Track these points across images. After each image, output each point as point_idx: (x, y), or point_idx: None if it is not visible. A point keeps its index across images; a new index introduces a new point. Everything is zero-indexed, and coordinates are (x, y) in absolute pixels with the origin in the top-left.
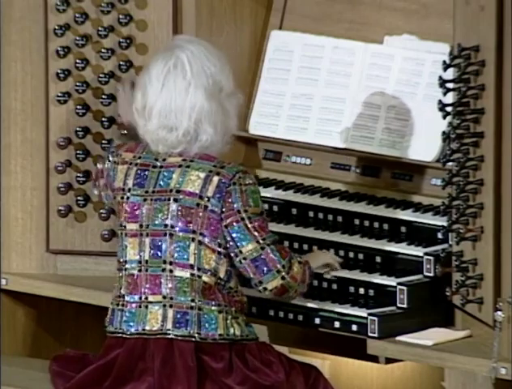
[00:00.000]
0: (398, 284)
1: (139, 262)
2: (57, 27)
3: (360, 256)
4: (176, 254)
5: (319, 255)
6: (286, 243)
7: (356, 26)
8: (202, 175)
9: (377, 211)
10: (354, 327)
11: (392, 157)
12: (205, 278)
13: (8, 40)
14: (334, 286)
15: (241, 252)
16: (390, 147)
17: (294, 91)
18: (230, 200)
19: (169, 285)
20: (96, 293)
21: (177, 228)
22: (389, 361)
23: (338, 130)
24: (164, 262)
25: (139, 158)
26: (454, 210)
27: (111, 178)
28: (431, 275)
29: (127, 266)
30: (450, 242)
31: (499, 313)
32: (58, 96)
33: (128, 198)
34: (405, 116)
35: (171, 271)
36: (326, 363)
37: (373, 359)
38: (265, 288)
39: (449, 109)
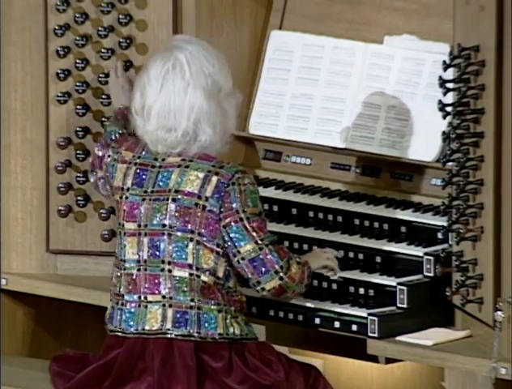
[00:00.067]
0: (398, 284)
1: (138, 261)
2: (57, 27)
3: (360, 256)
4: (174, 254)
5: (319, 255)
6: (286, 243)
7: (356, 26)
8: (201, 175)
9: (377, 211)
10: (354, 327)
11: (392, 157)
12: (204, 277)
13: (8, 40)
14: (334, 286)
15: (239, 252)
16: (390, 147)
17: (294, 91)
18: (229, 200)
19: (168, 285)
20: (96, 293)
21: (176, 228)
22: (389, 361)
23: (338, 130)
24: (163, 261)
25: (138, 158)
26: (454, 210)
27: (110, 175)
28: (431, 275)
29: (126, 265)
30: (450, 242)
31: (499, 313)
32: (58, 96)
33: (127, 197)
34: (405, 116)
35: (170, 270)
36: (326, 363)
37: (373, 359)
38: (263, 289)
39: (449, 109)
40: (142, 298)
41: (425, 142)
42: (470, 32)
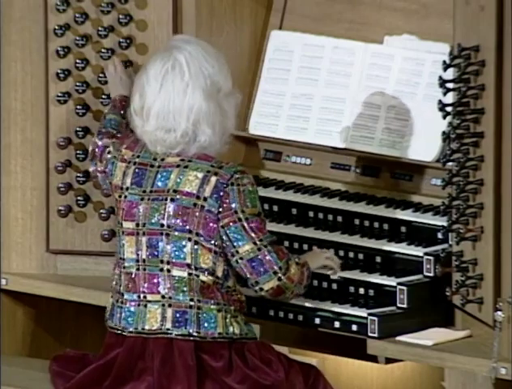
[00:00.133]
0: (398, 284)
1: (137, 261)
2: (57, 27)
3: (360, 256)
4: (173, 254)
5: (318, 256)
6: (286, 243)
7: (356, 26)
8: (200, 175)
9: (377, 211)
10: (354, 327)
11: (392, 157)
12: (203, 277)
13: (8, 40)
14: (334, 286)
15: (237, 252)
16: (390, 147)
17: (294, 91)
18: (228, 200)
19: (167, 285)
20: (96, 293)
21: (174, 228)
22: (389, 361)
23: (338, 130)
24: (162, 261)
25: (138, 157)
26: (454, 210)
27: (109, 172)
28: (431, 275)
29: (125, 264)
30: (450, 242)
31: (499, 313)
32: (58, 96)
33: (126, 196)
34: (405, 116)
35: (168, 270)
36: (326, 363)
37: (373, 359)
38: (261, 289)
39: (449, 109)
40: (142, 297)
41: (425, 142)
42: (470, 32)
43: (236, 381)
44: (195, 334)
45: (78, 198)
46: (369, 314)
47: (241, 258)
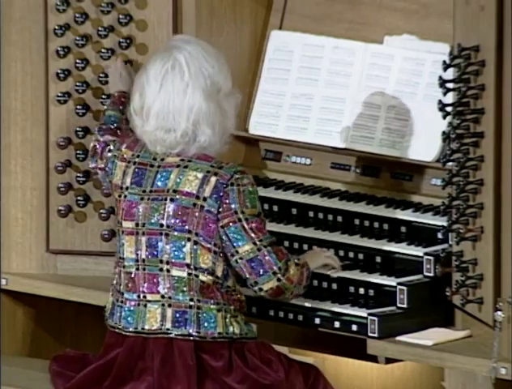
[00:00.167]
0: (398, 284)
1: (137, 260)
2: (57, 27)
3: (360, 256)
4: (172, 254)
5: (318, 255)
6: (286, 243)
7: (356, 26)
8: (200, 175)
9: (377, 211)
10: (354, 327)
11: (392, 157)
12: (202, 277)
13: (8, 40)
14: (334, 286)
15: (237, 252)
16: (390, 147)
17: (294, 91)
18: (227, 201)
19: (167, 285)
20: (96, 293)
21: (173, 228)
22: (389, 361)
23: (338, 130)
24: (161, 261)
25: (138, 157)
26: (454, 210)
27: (109, 170)
28: (431, 275)
29: (125, 263)
30: (450, 242)
31: (499, 313)
32: (58, 96)
33: (125, 196)
34: (405, 116)
35: (168, 270)
36: (326, 363)
37: (373, 359)
38: (260, 289)
39: (449, 109)
40: (142, 297)
41: (425, 142)
42: (470, 32)
43: (236, 381)
44: (195, 334)
45: (78, 198)
46: (369, 314)
47: (241, 259)
